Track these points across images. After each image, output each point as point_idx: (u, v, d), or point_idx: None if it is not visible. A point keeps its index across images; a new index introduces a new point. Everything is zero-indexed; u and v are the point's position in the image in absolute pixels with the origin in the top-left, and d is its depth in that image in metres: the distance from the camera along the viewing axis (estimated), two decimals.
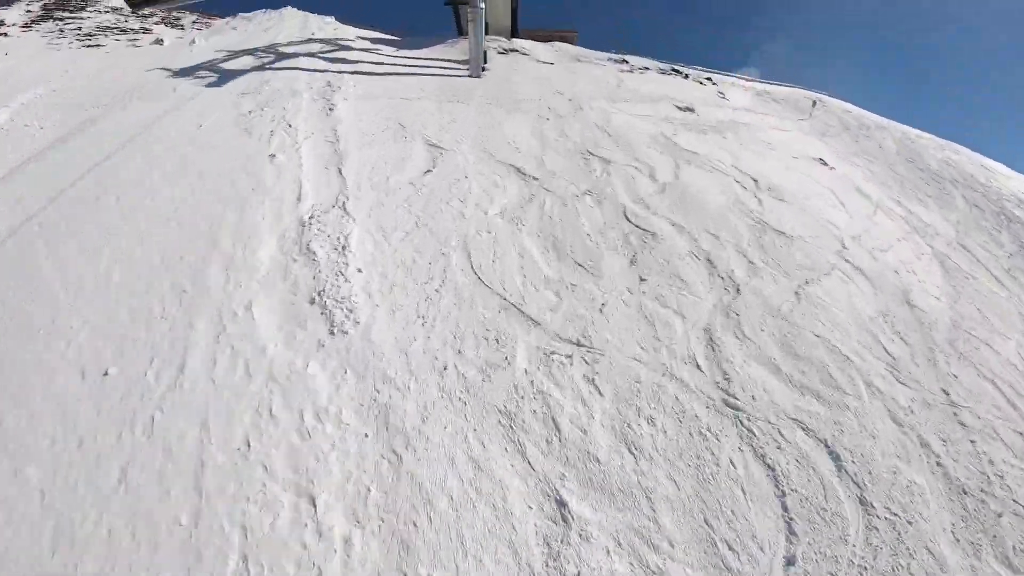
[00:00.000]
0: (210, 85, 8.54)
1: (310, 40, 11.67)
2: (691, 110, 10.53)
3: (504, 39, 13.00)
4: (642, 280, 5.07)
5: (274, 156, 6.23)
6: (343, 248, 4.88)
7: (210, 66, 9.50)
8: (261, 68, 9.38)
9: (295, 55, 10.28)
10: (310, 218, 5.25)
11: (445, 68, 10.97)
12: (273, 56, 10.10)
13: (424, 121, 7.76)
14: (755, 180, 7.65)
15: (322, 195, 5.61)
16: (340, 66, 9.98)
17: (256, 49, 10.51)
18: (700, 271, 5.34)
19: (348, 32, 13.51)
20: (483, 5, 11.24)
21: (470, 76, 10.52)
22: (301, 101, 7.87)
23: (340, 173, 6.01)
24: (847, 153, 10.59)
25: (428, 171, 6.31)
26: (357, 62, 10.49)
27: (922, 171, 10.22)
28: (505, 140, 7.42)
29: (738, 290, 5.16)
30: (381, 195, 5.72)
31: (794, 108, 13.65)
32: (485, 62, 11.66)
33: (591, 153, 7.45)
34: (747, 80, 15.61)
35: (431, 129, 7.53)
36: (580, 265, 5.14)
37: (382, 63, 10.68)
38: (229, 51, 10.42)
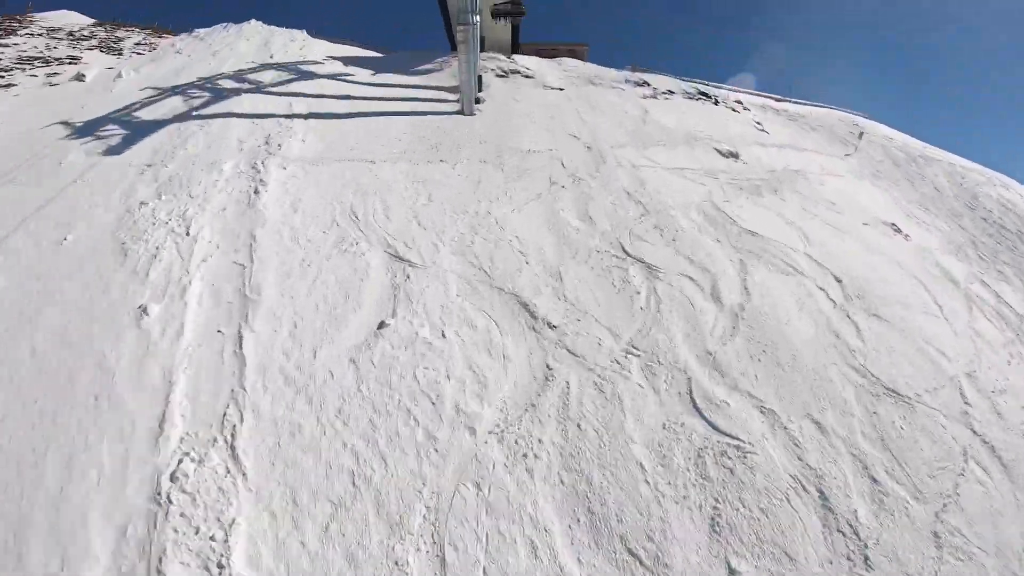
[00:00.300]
0: (110, 151, 5.98)
1: (265, 66, 8.93)
2: (735, 155, 7.83)
3: (503, 56, 10.12)
4: (733, 575, 2.69)
5: (145, 311, 3.77)
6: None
7: (123, 116, 6.89)
8: (186, 116, 6.77)
9: (237, 92, 7.61)
10: (172, 478, 2.71)
11: (430, 101, 8.23)
12: (209, 95, 7.47)
13: (389, 204, 5.15)
14: (839, 280, 5.00)
15: (200, 413, 3.03)
16: (293, 105, 7.30)
17: (191, 85, 7.86)
18: (813, 527, 2.84)
19: (318, 50, 10.68)
20: (478, 19, 8.46)
21: (460, 113, 7.86)
22: (218, 179, 5.25)
23: (239, 347, 3.52)
24: (910, 204, 8.01)
25: (384, 324, 3.84)
26: (317, 97, 7.82)
27: (986, 222, 7.92)
28: (505, 238, 4.85)
29: (867, 559, 2.77)
30: (300, 401, 3.21)
31: (833, 136, 10.75)
32: (480, 90, 8.93)
33: (627, 253, 4.88)
34: (776, 100, 12.91)
35: (397, 220, 4.94)
36: (634, 555, 2.68)
37: (349, 96, 8.00)
38: (157, 89, 7.77)
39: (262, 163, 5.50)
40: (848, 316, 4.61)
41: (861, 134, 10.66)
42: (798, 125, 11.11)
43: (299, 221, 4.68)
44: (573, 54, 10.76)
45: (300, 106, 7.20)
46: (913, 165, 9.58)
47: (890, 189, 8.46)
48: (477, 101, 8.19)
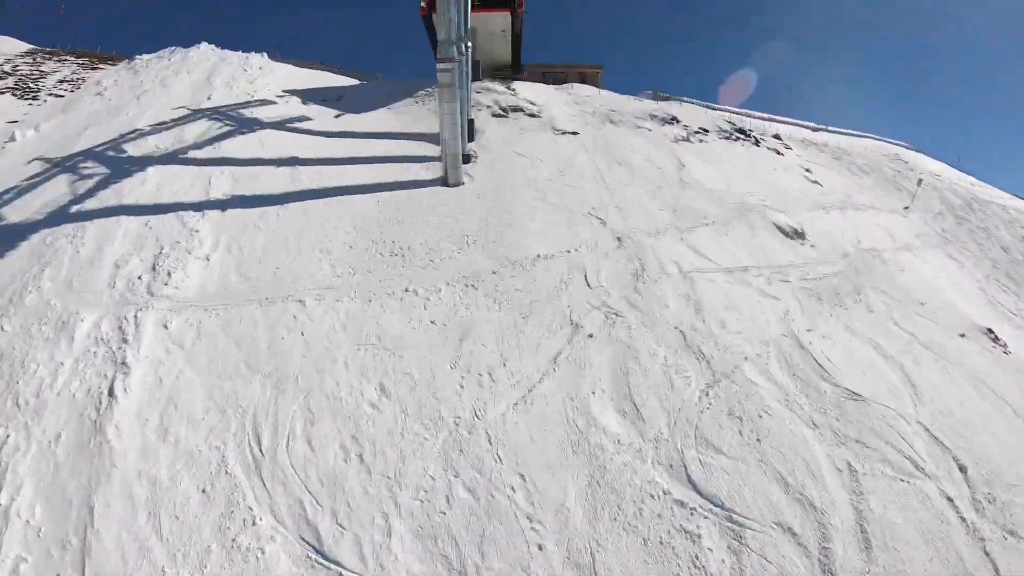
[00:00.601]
0: None
1: (197, 113, 6.73)
2: (800, 234, 5.78)
3: (501, 87, 7.81)
4: None
5: None
6: None
7: None
8: (63, 213, 4.64)
9: (145, 163, 5.44)
10: None
11: (404, 161, 5.99)
12: (106, 170, 5.36)
13: (316, 411, 2.96)
14: (963, 470, 3.33)
15: None
16: (213, 182, 5.02)
17: (89, 153, 5.70)
18: None
19: (275, 80, 8.45)
20: (469, 47, 6.27)
21: (443, 182, 5.81)
22: (63, 362, 3.20)
23: None
24: (987, 280, 6.79)
25: None
26: (251, 164, 5.64)
27: None
28: (503, 481, 2.70)
29: None
30: None
31: (884, 180, 9.53)
32: (471, 139, 6.79)
33: (695, 487, 2.79)
34: (813, 130, 11.62)
35: (326, 450, 2.78)
36: None
37: (295, 160, 5.77)
38: (47, 161, 5.63)
39: (135, 319, 3.52)
40: (985, 550, 2.91)
41: (920, 181, 9.33)
42: (845, 167, 9.73)
43: (166, 466, 2.70)
44: (584, 78, 8.51)
45: (222, 183, 5.10)
46: (971, 215, 8.76)
47: (962, 257, 7.20)
48: (466, 160, 6.09)
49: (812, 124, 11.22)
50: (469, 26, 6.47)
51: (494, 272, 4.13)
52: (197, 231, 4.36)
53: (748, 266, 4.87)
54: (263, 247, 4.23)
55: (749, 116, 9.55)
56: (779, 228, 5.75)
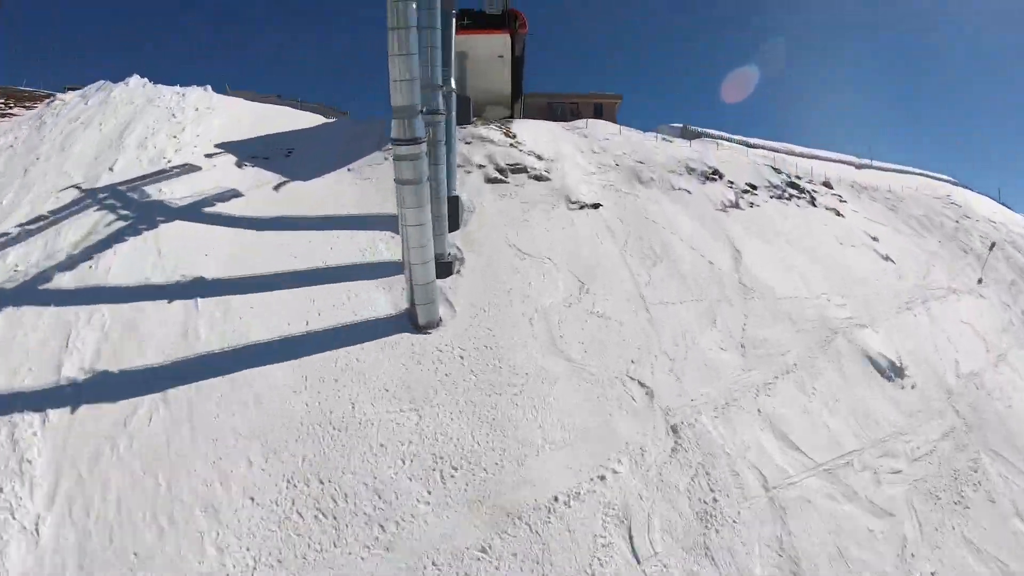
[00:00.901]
0: None
1: (88, 197, 4.92)
2: (899, 371, 4.31)
3: (498, 134, 5.78)
4: None
5: None
6: None
7: None
8: None
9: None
10: None
11: (355, 275, 4.13)
12: None
13: None
14: None
15: None
16: (76, 337, 3.32)
17: None
18: None
19: (212, 127, 6.44)
20: (453, 89, 4.40)
21: (411, 322, 3.83)
22: None
23: None
24: None
25: None
26: (137, 295, 3.71)
27: None
28: None
29: None
30: None
31: (947, 238, 8.31)
32: (457, 225, 4.89)
33: None
34: (857, 167, 10.29)
35: None
36: None
37: (199, 285, 3.89)
38: None
39: None
40: None
41: (992, 245, 8.38)
42: (904, 221, 8.55)
43: None
44: (600, 111, 6.52)
45: (85, 344, 3.32)
46: None
47: None
48: (447, 270, 4.26)
49: (855, 159, 10.28)
50: (452, 62, 4.60)
51: (484, 550, 2.50)
52: (30, 462, 2.72)
53: (849, 452, 3.25)
54: (118, 501, 2.58)
55: (791, 154, 8.39)
56: (872, 361, 4.14)
